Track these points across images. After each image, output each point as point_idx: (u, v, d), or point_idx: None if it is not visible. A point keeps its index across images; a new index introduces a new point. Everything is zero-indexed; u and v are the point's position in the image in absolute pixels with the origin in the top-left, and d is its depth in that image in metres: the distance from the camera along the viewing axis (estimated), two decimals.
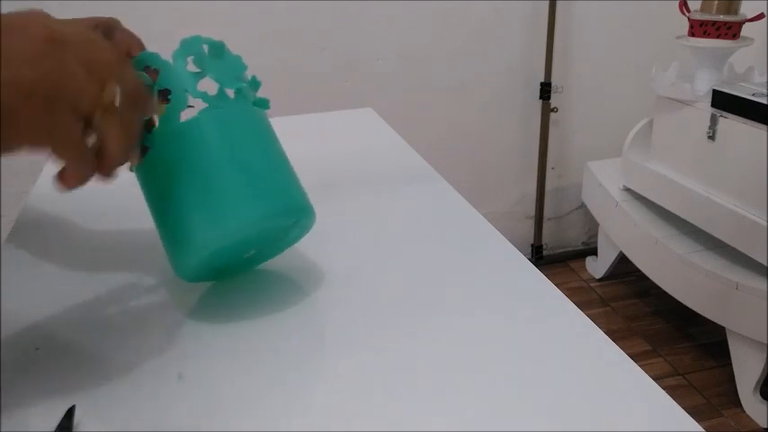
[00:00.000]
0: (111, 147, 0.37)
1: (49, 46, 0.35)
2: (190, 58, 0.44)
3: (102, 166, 0.38)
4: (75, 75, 0.35)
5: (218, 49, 0.45)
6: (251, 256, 0.49)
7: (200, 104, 0.44)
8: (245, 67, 0.46)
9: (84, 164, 0.37)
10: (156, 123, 0.43)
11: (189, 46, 0.44)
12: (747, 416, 1.45)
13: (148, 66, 0.43)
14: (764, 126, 1.31)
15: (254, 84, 0.48)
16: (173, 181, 0.43)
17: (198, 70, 0.45)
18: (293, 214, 0.46)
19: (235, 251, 0.47)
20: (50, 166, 0.77)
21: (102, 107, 0.36)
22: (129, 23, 0.46)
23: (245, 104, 0.46)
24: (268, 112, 0.49)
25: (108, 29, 0.45)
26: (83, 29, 0.38)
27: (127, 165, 0.46)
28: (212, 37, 0.45)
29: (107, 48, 0.38)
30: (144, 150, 0.44)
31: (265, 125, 0.47)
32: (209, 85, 0.44)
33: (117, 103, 0.37)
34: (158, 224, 0.45)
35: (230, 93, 0.45)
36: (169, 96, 0.43)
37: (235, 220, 0.42)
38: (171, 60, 0.44)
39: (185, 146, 0.43)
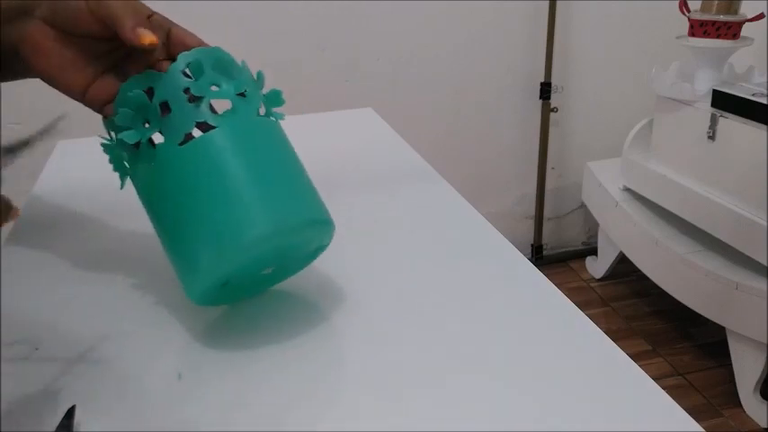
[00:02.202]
0: None
1: None
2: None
3: None
4: None
5: (262, 80, 0.46)
6: (269, 273, 0.46)
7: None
8: (262, 82, 0.46)
9: None
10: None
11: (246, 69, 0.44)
12: (747, 416, 1.45)
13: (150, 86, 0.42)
14: (764, 126, 1.31)
15: (276, 98, 0.47)
16: (178, 198, 0.40)
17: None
18: (310, 227, 0.43)
19: (250, 269, 0.43)
20: (50, 168, 0.77)
21: None
22: None
23: (258, 117, 0.44)
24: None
25: (162, 24, 0.45)
26: None
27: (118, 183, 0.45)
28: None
29: None
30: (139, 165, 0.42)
31: (279, 136, 0.45)
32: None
33: None
34: (167, 244, 0.42)
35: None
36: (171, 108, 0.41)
37: (245, 235, 0.39)
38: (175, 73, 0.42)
39: (194, 161, 0.40)
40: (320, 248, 0.47)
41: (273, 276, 0.47)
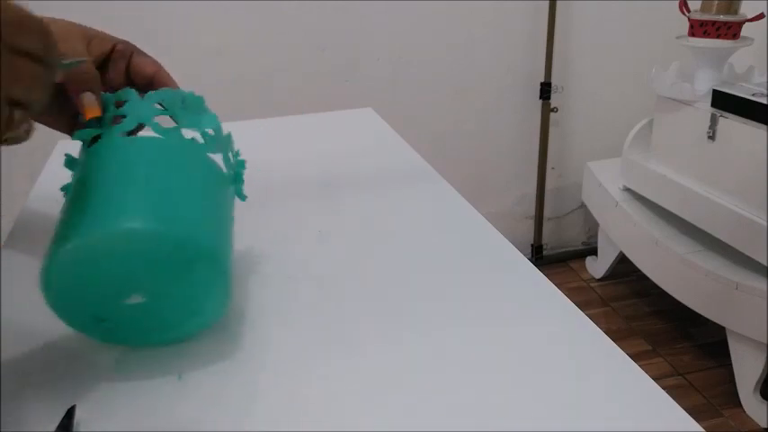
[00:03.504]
0: None
1: None
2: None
3: None
4: None
5: (196, 104, 0.46)
6: (135, 310, 0.41)
7: None
8: (217, 125, 0.46)
9: None
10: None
11: (163, 95, 0.45)
12: (747, 416, 1.45)
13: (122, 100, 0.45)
14: (764, 126, 1.30)
15: (240, 164, 0.48)
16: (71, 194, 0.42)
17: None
18: (179, 250, 0.39)
19: (106, 280, 0.40)
20: (50, 168, 0.77)
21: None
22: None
23: (196, 147, 0.45)
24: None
25: (124, 53, 0.47)
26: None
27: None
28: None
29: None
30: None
31: (215, 180, 0.45)
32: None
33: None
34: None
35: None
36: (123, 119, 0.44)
37: (107, 220, 0.38)
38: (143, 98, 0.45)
39: (100, 161, 0.42)
40: (206, 315, 0.43)
41: (151, 326, 0.43)
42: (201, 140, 0.45)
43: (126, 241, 0.38)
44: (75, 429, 0.36)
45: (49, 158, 0.79)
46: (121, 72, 0.48)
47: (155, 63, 0.48)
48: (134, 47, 0.48)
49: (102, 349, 0.44)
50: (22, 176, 1.60)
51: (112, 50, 0.47)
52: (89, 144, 0.43)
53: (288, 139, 0.84)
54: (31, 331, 0.46)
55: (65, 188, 0.45)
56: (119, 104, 0.45)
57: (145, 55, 0.48)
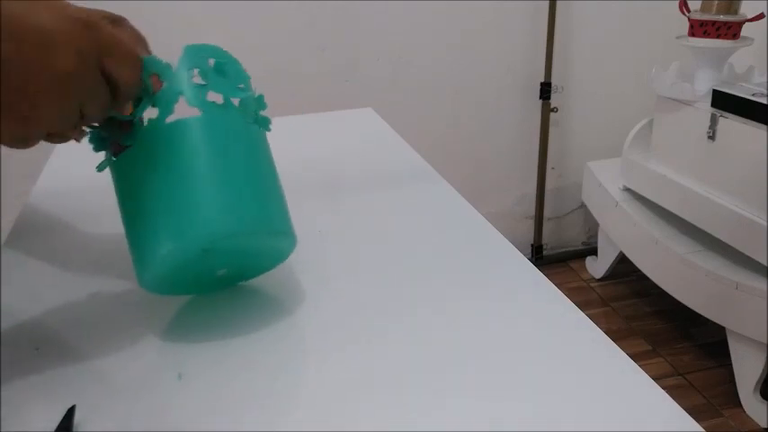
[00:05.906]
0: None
1: (83, 28, 0.36)
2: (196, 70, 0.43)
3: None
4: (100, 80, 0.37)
5: (222, 64, 0.44)
6: (222, 275, 0.47)
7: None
8: (247, 78, 0.45)
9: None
10: (136, 123, 0.42)
11: (193, 55, 0.43)
12: (747, 416, 1.45)
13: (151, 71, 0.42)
14: (764, 126, 1.31)
15: (260, 102, 0.47)
16: (145, 184, 0.41)
17: (203, 83, 0.43)
18: (269, 236, 0.44)
19: (202, 266, 0.44)
20: (50, 168, 0.77)
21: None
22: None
23: (238, 117, 0.44)
24: (270, 112, 0.48)
25: (113, 23, 0.44)
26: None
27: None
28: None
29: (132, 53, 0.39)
30: (120, 148, 0.43)
31: (259, 142, 0.45)
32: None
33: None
34: (126, 229, 0.43)
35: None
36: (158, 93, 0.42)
37: (202, 231, 0.40)
38: (174, 66, 0.43)
39: (164, 148, 0.41)
40: (279, 260, 0.48)
41: (228, 278, 0.49)
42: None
43: (217, 241, 0.41)
44: (75, 429, 0.36)
45: (49, 158, 0.79)
46: None
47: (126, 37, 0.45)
48: (115, 20, 0.45)
49: (101, 349, 0.44)
50: (22, 176, 1.60)
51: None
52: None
53: (288, 138, 0.84)
54: (32, 331, 0.46)
55: (100, 167, 0.45)
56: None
57: (118, 25, 0.44)
